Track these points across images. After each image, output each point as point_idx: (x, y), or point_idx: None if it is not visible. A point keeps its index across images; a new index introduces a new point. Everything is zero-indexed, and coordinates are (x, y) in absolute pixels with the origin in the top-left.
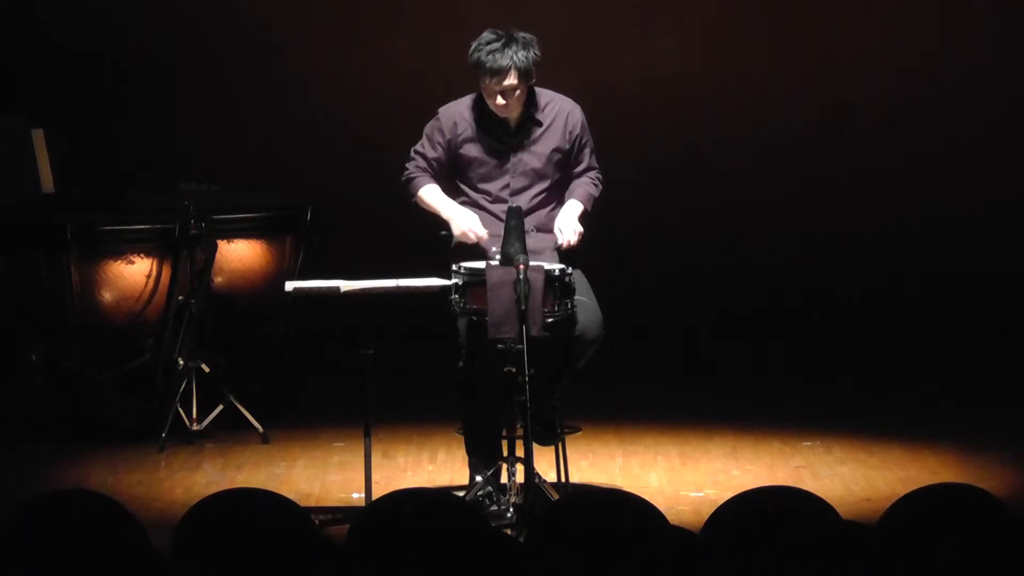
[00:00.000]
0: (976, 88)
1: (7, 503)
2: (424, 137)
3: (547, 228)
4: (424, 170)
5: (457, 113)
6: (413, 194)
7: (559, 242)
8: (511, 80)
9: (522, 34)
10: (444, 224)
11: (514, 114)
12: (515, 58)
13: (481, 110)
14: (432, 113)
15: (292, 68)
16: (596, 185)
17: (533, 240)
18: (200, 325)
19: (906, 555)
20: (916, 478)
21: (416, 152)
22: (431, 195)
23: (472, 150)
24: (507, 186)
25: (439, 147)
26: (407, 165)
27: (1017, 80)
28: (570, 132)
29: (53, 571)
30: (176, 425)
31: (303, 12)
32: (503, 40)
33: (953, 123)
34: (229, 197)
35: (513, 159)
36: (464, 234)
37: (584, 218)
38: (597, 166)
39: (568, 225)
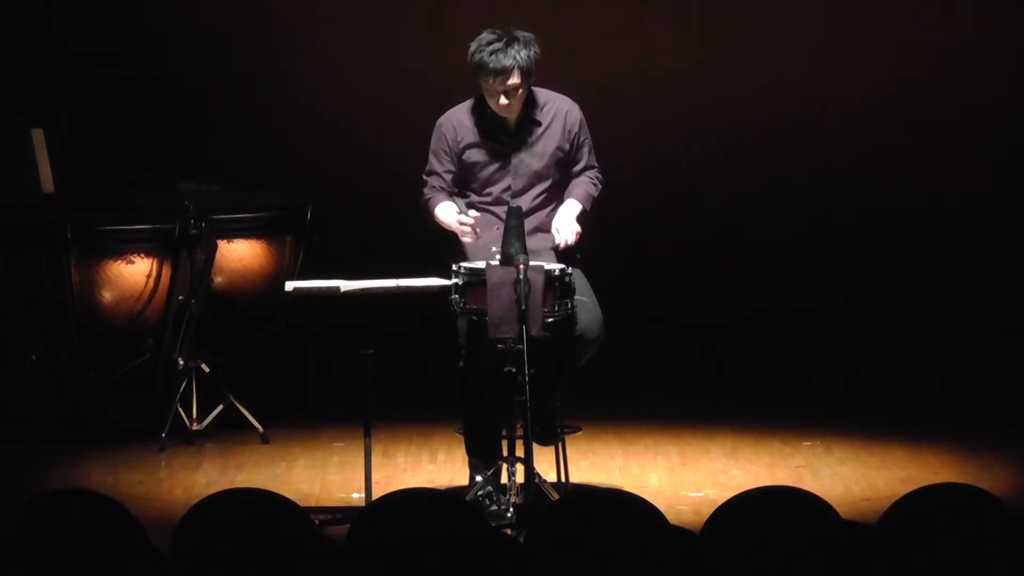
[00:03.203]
0: (976, 88)
1: (7, 503)
2: (431, 155)
3: (548, 228)
4: (439, 188)
5: (456, 119)
6: (431, 214)
7: (556, 242)
8: (514, 80)
9: (521, 33)
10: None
11: (515, 114)
12: (518, 57)
13: (480, 113)
14: (432, 118)
15: (292, 68)
16: (595, 184)
17: (534, 240)
18: (200, 325)
19: (906, 555)
20: (916, 478)
21: (427, 174)
22: (442, 213)
23: (474, 154)
24: (508, 188)
25: (446, 158)
26: (423, 190)
27: (1017, 80)
28: (569, 131)
29: (53, 571)
30: (176, 425)
31: (303, 12)
32: (504, 40)
33: (953, 123)
34: (229, 197)
35: (514, 160)
36: (464, 232)
37: (583, 218)
38: (596, 165)
39: (566, 225)
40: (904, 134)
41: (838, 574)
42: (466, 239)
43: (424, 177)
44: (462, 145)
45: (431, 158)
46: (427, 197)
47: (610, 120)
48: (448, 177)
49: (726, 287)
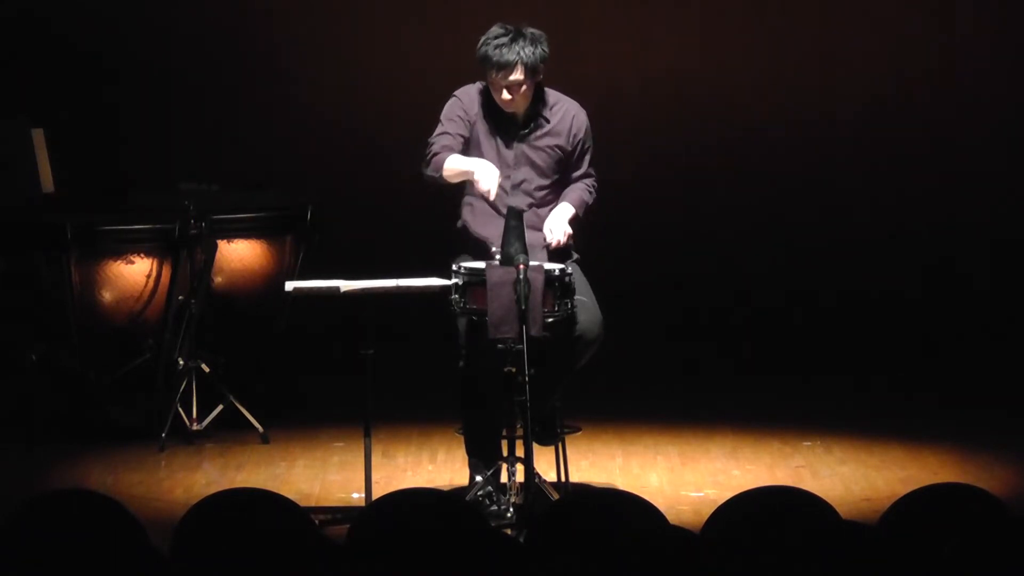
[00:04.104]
0: (976, 88)
1: (7, 503)
2: (443, 120)
3: (542, 228)
4: (448, 147)
5: (474, 93)
6: (438, 169)
7: (548, 241)
8: (517, 75)
9: (531, 30)
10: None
11: (519, 109)
12: (522, 53)
13: (490, 99)
14: (432, 119)
15: (292, 68)
16: (590, 192)
17: (529, 237)
18: (200, 325)
19: (906, 555)
20: (916, 478)
21: (437, 134)
22: (455, 161)
23: (478, 134)
24: (507, 178)
25: (459, 123)
26: (430, 148)
27: (1017, 80)
28: (574, 135)
29: (53, 571)
30: (176, 425)
31: (303, 12)
32: (511, 35)
33: (953, 123)
34: (229, 197)
35: (516, 152)
36: (487, 192)
37: (575, 222)
38: (594, 173)
39: (558, 226)
40: (904, 134)
41: (838, 574)
42: (483, 186)
43: (430, 140)
44: (472, 119)
45: (443, 123)
46: (435, 152)
47: (610, 120)
48: (459, 140)
49: (726, 287)
